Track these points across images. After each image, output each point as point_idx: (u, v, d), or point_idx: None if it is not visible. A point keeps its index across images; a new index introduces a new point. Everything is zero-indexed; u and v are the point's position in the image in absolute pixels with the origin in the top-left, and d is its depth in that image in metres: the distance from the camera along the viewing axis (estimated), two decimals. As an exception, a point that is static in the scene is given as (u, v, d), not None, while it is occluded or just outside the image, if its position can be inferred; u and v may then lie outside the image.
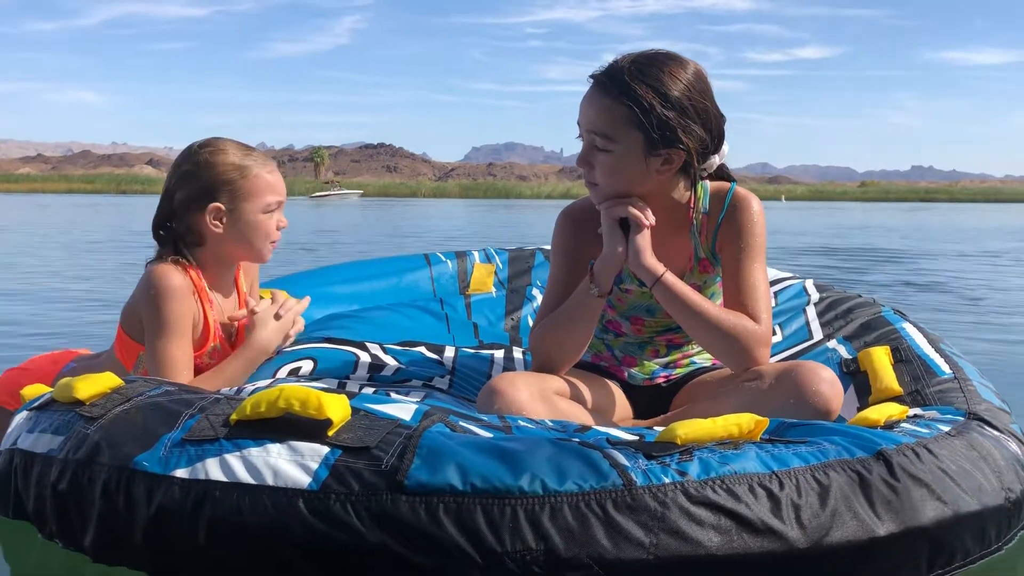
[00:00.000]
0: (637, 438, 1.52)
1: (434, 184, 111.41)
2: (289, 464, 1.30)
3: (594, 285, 1.87)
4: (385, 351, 2.22)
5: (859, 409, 1.95)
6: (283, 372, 2.05)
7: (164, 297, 1.94)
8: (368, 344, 2.24)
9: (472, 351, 2.35)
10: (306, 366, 2.07)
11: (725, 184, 1.98)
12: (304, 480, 1.28)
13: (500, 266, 2.96)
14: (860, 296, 2.58)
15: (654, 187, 1.87)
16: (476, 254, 2.99)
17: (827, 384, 1.72)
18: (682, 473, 1.29)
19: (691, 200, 1.95)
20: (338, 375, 2.04)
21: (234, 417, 1.39)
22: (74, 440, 1.46)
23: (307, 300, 2.21)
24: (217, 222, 2.02)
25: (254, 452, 1.33)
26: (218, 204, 2.01)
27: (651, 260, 1.85)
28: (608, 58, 1.88)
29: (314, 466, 1.29)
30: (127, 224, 18.44)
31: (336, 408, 1.36)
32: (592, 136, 1.84)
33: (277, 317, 2.11)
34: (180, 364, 1.96)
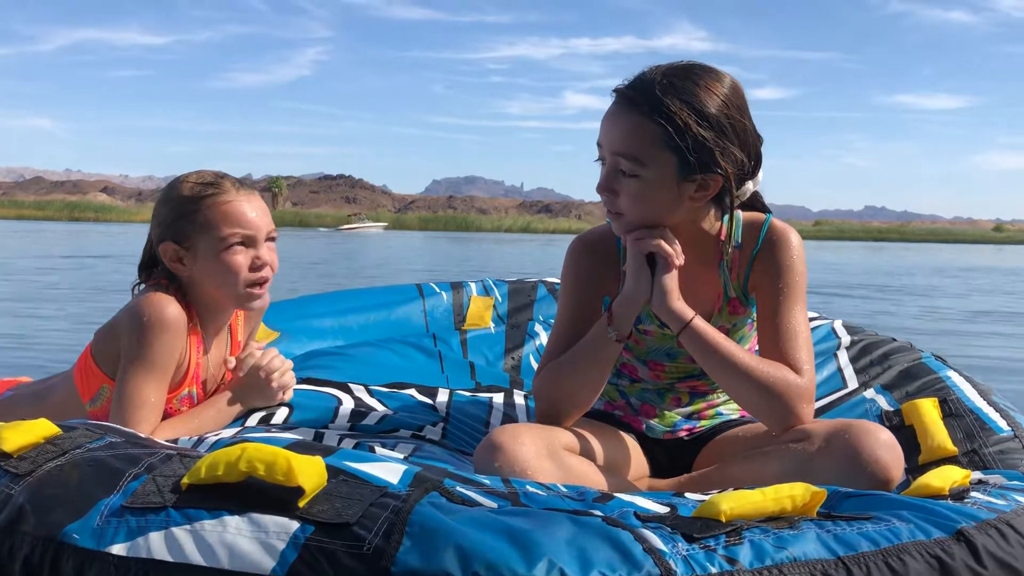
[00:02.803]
0: (669, 510, 1.28)
1: (393, 216, 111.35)
2: (249, 542, 1.06)
3: (612, 328, 1.64)
4: (371, 394, 1.99)
5: (907, 470, 1.73)
6: (253, 420, 1.81)
7: (155, 329, 1.70)
8: (352, 386, 2.01)
9: (468, 394, 2.12)
10: (280, 413, 1.84)
11: (759, 215, 1.76)
12: (267, 563, 1.04)
13: (499, 299, 2.73)
14: (895, 340, 2.35)
15: (684, 216, 1.66)
16: (473, 286, 2.76)
17: (886, 449, 1.48)
18: (731, 560, 1.06)
19: (722, 231, 1.72)
20: (315, 424, 1.80)
21: (186, 481, 1.15)
22: (-4, 501, 1.22)
23: (290, 364, 1.95)
24: (178, 264, 1.79)
25: (208, 526, 1.08)
26: (170, 244, 1.78)
27: (679, 303, 1.63)
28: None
29: (280, 546, 1.05)
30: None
31: (309, 473, 1.12)
32: (617, 159, 1.61)
33: (263, 379, 1.87)
34: (150, 407, 1.71)
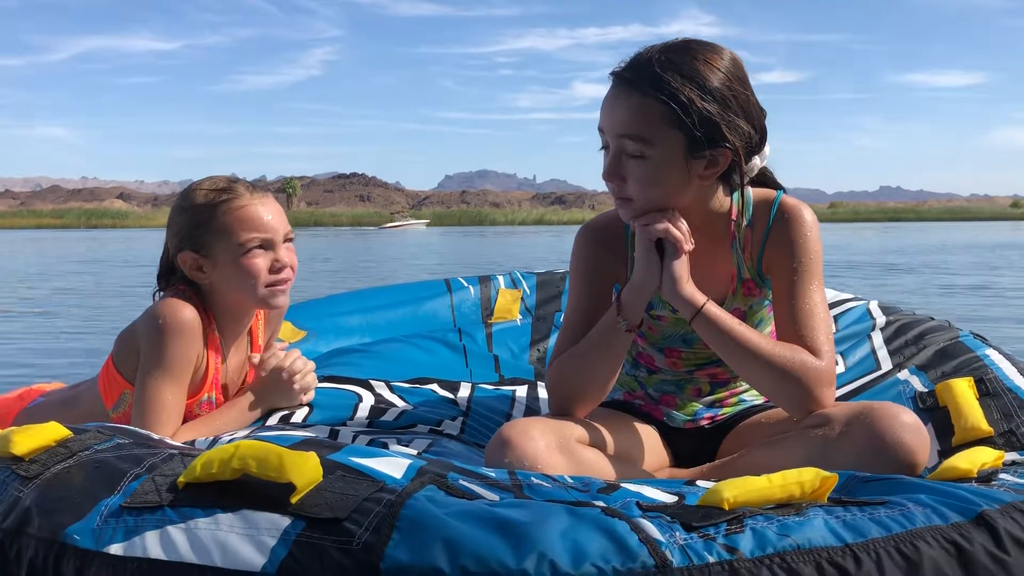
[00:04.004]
0: (676, 499, 1.25)
1: (408, 212, 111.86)
2: (241, 539, 1.06)
3: (621, 318, 1.60)
4: (392, 390, 1.98)
5: (940, 452, 1.67)
6: (273, 419, 1.81)
7: (170, 332, 1.72)
8: (373, 382, 2.00)
9: (491, 387, 2.10)
10: (300, 411, 1.84)
11: (770, 192, 1.71)
12: (258, 561, 1.03)
13: (527, 291, 2.70)
14: (932, 319, 2.27)
15: (694, 196, 1.61)
16: (501, 279, 2.73)
17: (911, 431, 1.42)
18: (731, 549, 1.02)
19: (732, 210, 1.68)
20: (333, 421, 1.80)
21: (182, 480, 1.15)
22: (6, 504, 1.23)
23: (312, 365, 1.95)
24: (198, 272, 1.80)
25: (202, 524, 1.08)
26: (188, 253, 1.79)
27: (690, 289, 1.58)
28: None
29: (271, 542, 1.04)
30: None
31: (302, 469, 1.11)
32: (623, 142, 1.57)
33: (285, 380, 1.87)
34: (170, 410, 1.73)
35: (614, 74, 1.59)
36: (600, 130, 1.62)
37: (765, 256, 1.68)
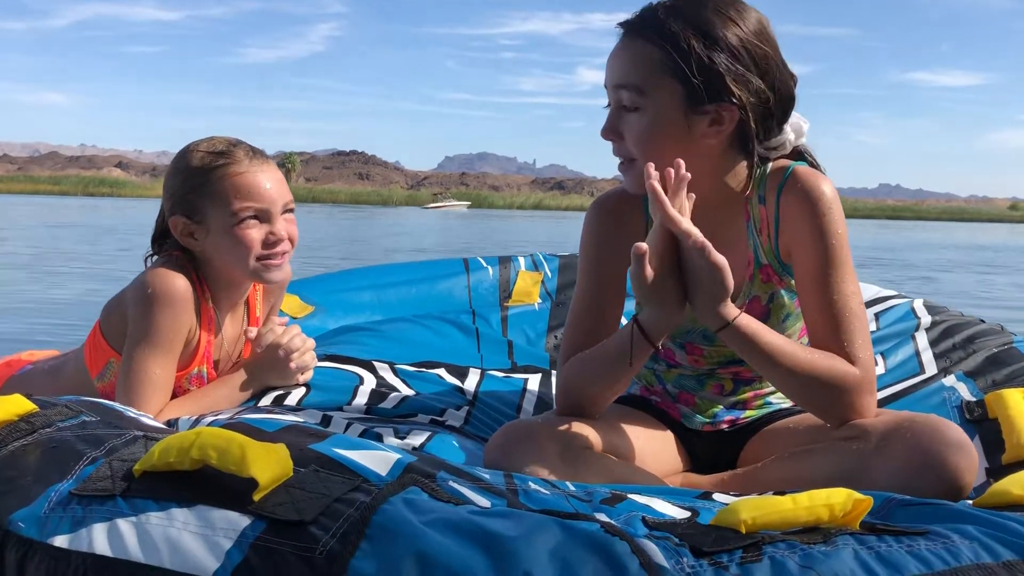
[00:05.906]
0: (688, 515, 1.12)
1: (406, 193, 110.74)
2: (194, 539, 0.95)
3: (651, 343, 1.39)
4: (396, 373, 1.86)
5: (988, 470, 1.52)
6: (267, 399, 1.71)
7: (160, 302, 1.62)
8: (377, 364, 1.88)
9: (502, 375, 1.98)
10: (296, 393, 1.73)
11: (785, 162, 1.53)
12: (210, 565, 0.92)
13: (548, 274, 2.56)
14: (983, 321, 2.11)
15: (704, 164, 1.45)
16: (522, 260, 2.60)
17: (958, 451, 1.26)
18: (745, 581, 0.89)
19: (748, 186, 1.52)
20: (328, 405, 1.68)
21: (138, 468, 1.04)
22: (-42, 483, 1.13)
23: (312, 343, 1.83)
24: (189, 238, 1.70)
25: (154, 518, 0.98)
26: (180, 218, 1.69)
27: (726, 308, 1.36)
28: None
29: (227, 544, 0.93)
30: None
31: (267, 462, 1.00)
32: (619, 93, 1.46)
33: (282, 356, 1.76)
34: (157, 383, 1.63)
35: (620, 24, 1.49)
36: (605, 86, 1.51)
37: (782, 238, 1.50)
